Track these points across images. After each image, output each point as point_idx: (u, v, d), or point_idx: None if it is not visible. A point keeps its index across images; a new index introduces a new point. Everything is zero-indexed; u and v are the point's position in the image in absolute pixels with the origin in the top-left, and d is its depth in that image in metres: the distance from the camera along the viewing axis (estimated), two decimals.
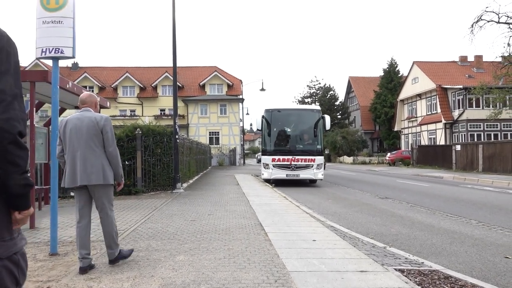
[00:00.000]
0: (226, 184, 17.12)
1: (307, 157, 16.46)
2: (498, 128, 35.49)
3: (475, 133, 35.34)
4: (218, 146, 43.79)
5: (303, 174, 16.62)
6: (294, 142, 17.32)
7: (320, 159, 16.64)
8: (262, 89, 41.21)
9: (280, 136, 17.32)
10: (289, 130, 17.57)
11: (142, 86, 46.23)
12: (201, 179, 20.02)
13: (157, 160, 13.13)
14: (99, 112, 4.68)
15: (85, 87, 41.67)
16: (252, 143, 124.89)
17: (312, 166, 16.46)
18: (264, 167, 16.88)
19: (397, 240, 6.71)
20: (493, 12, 26.78)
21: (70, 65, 49.41)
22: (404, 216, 9.18)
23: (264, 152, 17.13)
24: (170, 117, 41.60)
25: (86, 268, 4.25)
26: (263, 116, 17.16)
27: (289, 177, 16.61)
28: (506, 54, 25.46)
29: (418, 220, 8.70)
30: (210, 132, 44.76)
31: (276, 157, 16.57)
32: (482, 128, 35.48)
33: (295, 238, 6.00)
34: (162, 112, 45.65)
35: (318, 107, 18.78)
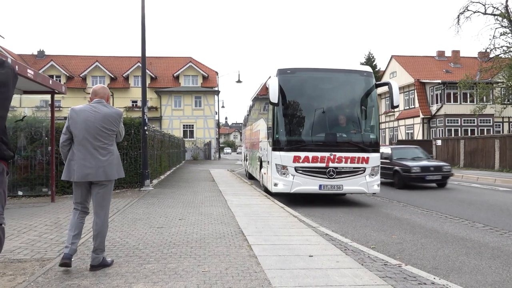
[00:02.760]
0: (200, 180, 15.82)
1: (356, 155, 9.61)
2: (475, 124, 35.42)
3: (453, 128, 35.14)
4: (193, 139, 42.31)
5: (349, 185, 9.61)
6: (332, 128, 9.88)
7: (375, 158, 9.83)
8: (239, 81, 39.77)
9: (307, 118, 9.95)
10: (322, 106, 9.97)
11: (113, 76, 44.08)
12: (173, 175, 18.64)
13: (123, 154, 11.71)
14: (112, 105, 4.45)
15: (52, 76, 39.28)
16: (227, 136, 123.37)
17: (364, 171, 9.66)
18: (278, 172, 9.59)
19: (404, 250, 5.66)
20: (479, 3, 26.31)
21: (35, 53, 46.71)
22: (400, 218, 8.19)
23: (277, 145, 9.68)
24: None
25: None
26: (274, 82, 9.28)
27: (325, 190, 9.51)
28: (491, 47, 24.98)
29: (417, 223, 7.72)
30: (184, 125, 43.18)
31: (302, 155, 9.44)
32: (459, 123, 35.31)
33: (286, 253, 4.83)
34: (134, 103, 43.63)
35: (369, 69, 10.48)
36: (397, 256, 5.31)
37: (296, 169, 9.46)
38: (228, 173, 20.49)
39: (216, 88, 44.27)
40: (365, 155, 9.67)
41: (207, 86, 44.14)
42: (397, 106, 9.75)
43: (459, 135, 33.27)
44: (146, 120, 12.13)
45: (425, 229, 7.15)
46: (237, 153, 69.83)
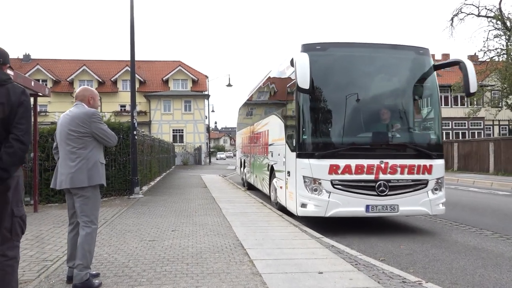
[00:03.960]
0: (192, 186, 15.29)
1: (416, 162, 7.03)
2: (466, 127, 35.54)
3: (444, 132, 35.17)
4: (183, 144, 41.72)
5: (406, 205, 6.96)
6: (381, 125, 7.38)
7: (440, 166, 7.28)
8: (229, 85, 39.28)
9: (346, 112, 7.23)
10: (366, 96, 7.48)
11: (100, 80, 43.31)
12: (164, 181, 18.08)
13: (111, 160, 11.18)
14: (96, 108, 4.10)
15: (38, 80, 38.38)
16: (217, 141, 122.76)
17: (426, 185, 7.07)
18: (307, 188, 6.85)
19: (416, 262, 5.25)
20: (473, 5, 26.30)
21: (21, 57, 45.73)
22: (404, 227, 7.79)
23: (305, 149, 7.04)
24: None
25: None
26: (303, 59, 6.52)
27: (374, 212, 6.87)
28: (485, 49, 24.91)
29: (423, 231, 7.32)
30: (173, 130, 42.60)
31: (341, 163, 6.79)
32: (450, 127, 35.41)
33: (293, 270, 4.37)
34: (123, 108, 42.92)
35: (425, 46, 7.71)
36: (410, 269, 4.90)
37: (333, 183, 6.70)
38: (220, 178, 19.99)
39: (206, 92, 43.78)
40: (427, 162, 7.01)
41: (197, 90, 43.64)
42: (473, 94, 7.12)
43: (450, 138, 33.25)
44: (136, 124, 11.60)
45: (433, 238, 6.75)
46: (218, 159, 67.19)
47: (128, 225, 7.04)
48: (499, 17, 24.50)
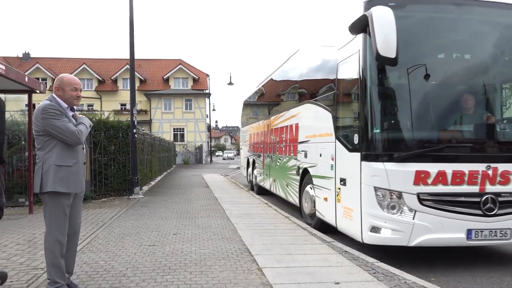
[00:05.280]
0: (193, 186, 14.91)
1: None
2: None
3: None
4: (183, 143, 41.35)
5: None
6: (485, 116, 5.20)
7: None
8: (230, 83, 38.83)
9: (436, 96, 5.22)
10: (463, 74, 5.39)
11: (100, 79, 42.94)
12: (164, 180, 17.70)
13: (110, 159, 10.81)
14: (71, 100, 3.56)
15: (38, 79, 37.94)
16: (218, 140, 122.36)
17: None
18: (381, 204, 4.81)
19: (434, 268, 4.86)
20: None
21: (20, 55, 45.37)
22: None
23: (375, 149, 4.93)
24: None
25: None
26: (386, 15, 4.57)
27: (479, 239, 4.83)
28: None
29: None
30: (174, 129, 42.22)
31: (432, 169, 4.78)
32: None
33: (307, 280, 3.99)
34: (123, 106, 42.51)
35: None
36: (431, 277, 4.52)
37: (420, 198, 4.76)
38: (222, 178, 19.61)
39: (207, 91, 43.39)
40: None
41: (198, 89, 43.24)
42: None
43: None
44: (135, 122, 11.22)
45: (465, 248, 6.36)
46: (225, 159, 60.71)
47: (127, 228, 6.65)
48: None
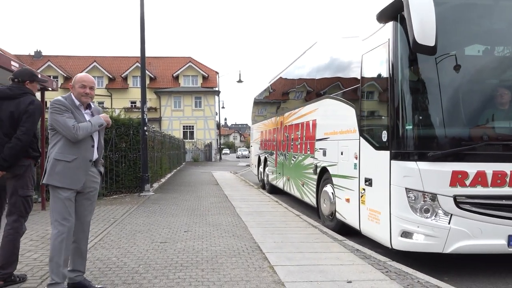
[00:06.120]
0: (203, 183, 14.95)
1: None
2: None
3: None
4: (193, 140, 41.47)
5: None
6: None
7: None
8: (240, 81, 38.79)
9: (476, 90, 4.83)
10: (507, 66, 4.98)
11: (111, 76, 43.22)
12: (174, 178, 17.77)
13: (121, 157, 10.87)
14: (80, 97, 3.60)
15: (49, 76, 38.28)
16: (227, 137, 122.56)
17: None
18: (413, 207, 4.45)
19: (449, 267, 4.81)
20: None
21: (32, 53, 45.86)
22: None
23: (405, 143, 4.56)
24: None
25: None
26: (417, 2, 4.21)
27: None
28: None
29: None
30: (184, 126, 42.34)
31: (470, 169, 4.39)
32: None
33: (319, 278, 3.98)
34: (133, 104, 42.74)
35: None
36: (445, 277, 4.47)
37: (457, 201, 4.39)
38: (231, 175, 19.65)
39: (216, 88, 43.47)
40: None
41: (207, 86, 43.34)
42: None
43: None
44: (146, 120, 11.27)
45: None
46: (239, 157, 58.89)
47: (138, 225, 6.69)
48: None
